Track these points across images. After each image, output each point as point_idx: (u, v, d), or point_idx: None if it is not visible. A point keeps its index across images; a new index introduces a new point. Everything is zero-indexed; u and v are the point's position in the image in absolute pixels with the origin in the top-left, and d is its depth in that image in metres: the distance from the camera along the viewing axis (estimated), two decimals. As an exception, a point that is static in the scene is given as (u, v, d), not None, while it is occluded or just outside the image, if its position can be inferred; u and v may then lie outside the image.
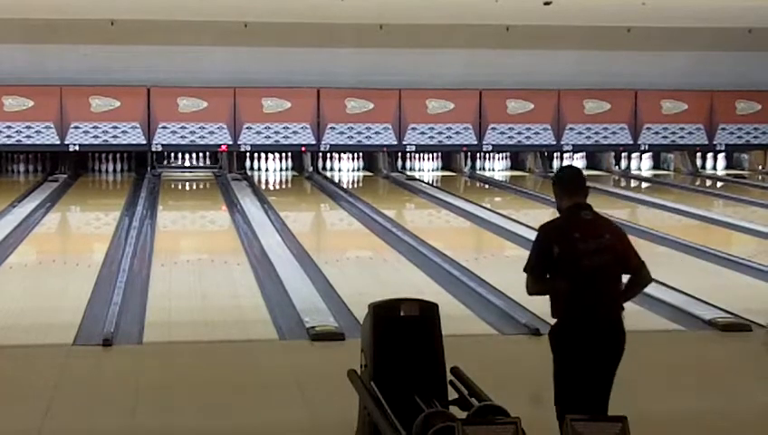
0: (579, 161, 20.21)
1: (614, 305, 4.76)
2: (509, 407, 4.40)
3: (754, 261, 10.49)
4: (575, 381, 4.70)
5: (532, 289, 4.79)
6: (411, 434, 4.33)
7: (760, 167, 20.71)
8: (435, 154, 19.92)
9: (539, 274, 4.74)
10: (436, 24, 17.90)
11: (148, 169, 18.85)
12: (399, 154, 19.65)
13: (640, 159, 20.56)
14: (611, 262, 4.71)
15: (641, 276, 4.83)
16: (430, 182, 18.52)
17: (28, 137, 17.88)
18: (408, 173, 19.33)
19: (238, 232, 12.69)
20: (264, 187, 17.85)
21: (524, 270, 4.78)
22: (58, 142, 17.99)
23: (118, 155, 19.08)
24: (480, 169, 19.98)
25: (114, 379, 6.60)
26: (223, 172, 18.84)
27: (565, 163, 19.23)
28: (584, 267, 4.65)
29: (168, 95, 18.19)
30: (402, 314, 5.01)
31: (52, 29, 17.40)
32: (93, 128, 18.01)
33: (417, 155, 19.75)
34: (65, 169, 18.57)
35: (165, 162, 19.35)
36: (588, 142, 19.41)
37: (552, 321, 4.84)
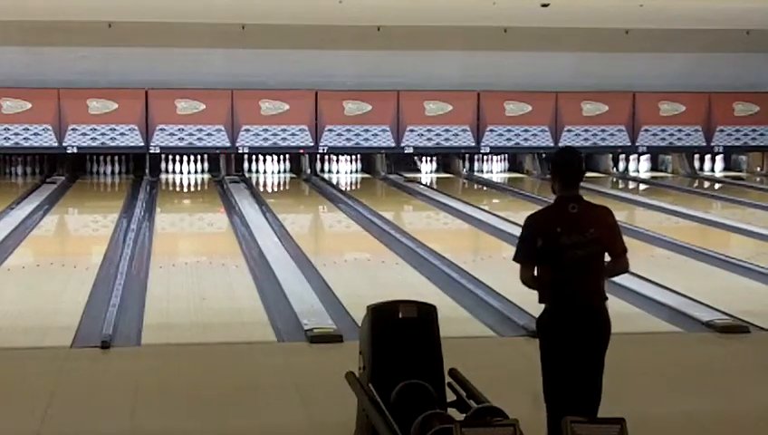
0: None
1: (596, 295, 4.79)
2: (507, 409, 4.41)
3: (753, 263, 10.49)
4: (562, 369, 4.71)
5: (523, 277, 4.82)
6: (409, 436, 4.33)
7: (758, 168, 20.71)
8: (433, 156, 19.94)
9: (527, 261, 4.79)
10: (434, 25, 17.91)
11: (146, 171, 18.83)
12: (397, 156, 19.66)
13: (638, 160, 20.54)
14: (594, 253, 4.75)
15: (619, 264, 4.87)
16: (428, 184, 18.52)
17: (26, 139, 17.87)
18: (407, 175, 19.32)
19: (236, 234, 12.68)
20: (261, 189, 17.83)
21: (513, 259, 4.83)
22: (56, 144, 17.98)
23: (116, 157, 19.07)
24: (478, 171, 19.98)
25: (112, 381, 6.59)
26: (221, 174, 18.84)
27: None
28: (566, 260, 4.69)
29: (166, 97, 18.19)
30: (400, 315, 5.01)
31: (49, 31, 17.41)
32: (91, 130, 18.01)
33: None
34: (63, 171, 18.55)
35: (160, 169, 19.21)
36: (586, 144, 19.38)
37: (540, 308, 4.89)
